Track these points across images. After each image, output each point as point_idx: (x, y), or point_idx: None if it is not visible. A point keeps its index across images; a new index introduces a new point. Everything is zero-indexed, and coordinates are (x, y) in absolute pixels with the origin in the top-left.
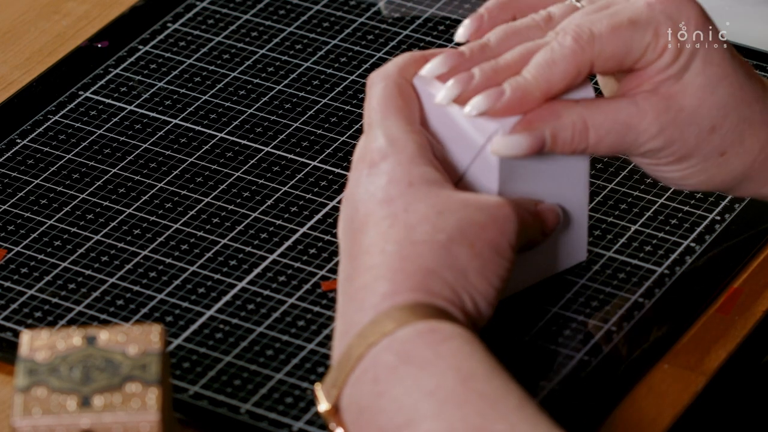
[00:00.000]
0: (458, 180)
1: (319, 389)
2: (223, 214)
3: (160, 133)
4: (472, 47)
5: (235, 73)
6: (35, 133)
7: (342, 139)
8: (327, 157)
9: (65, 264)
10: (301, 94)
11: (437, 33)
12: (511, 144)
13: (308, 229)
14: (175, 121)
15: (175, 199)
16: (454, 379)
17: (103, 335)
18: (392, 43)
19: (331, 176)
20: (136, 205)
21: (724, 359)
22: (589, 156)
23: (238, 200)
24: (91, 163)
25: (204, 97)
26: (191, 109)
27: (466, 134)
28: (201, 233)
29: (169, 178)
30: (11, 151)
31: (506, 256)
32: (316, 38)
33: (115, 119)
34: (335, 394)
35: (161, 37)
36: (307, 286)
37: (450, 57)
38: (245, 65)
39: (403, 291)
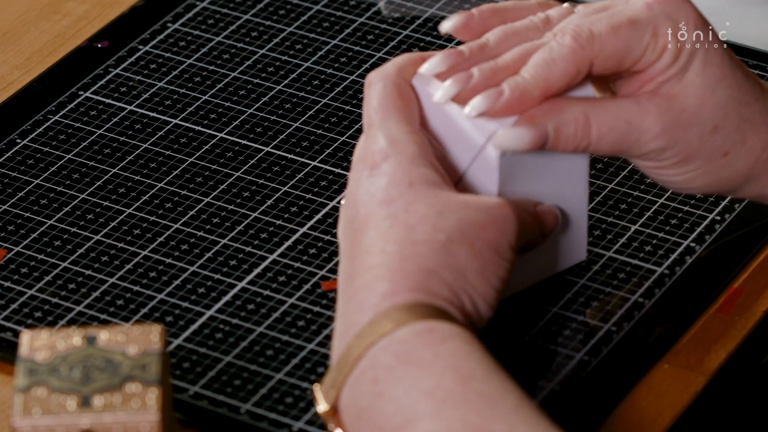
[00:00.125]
0: (458, 180)
1: (317, 390)
2: (223, 214)
3: (160, 133)
4: (471, 47)
5: (235, 73)
6: (35, 133)
7: (342, 139)
8: (327, 157)
9: (65, 264)
10: (301, 94)
11: (437, 33)
12: (513, 137)
13: (308, 229)
14: (175, 121)
15: (175, 199)
16: (452, 379)
17: (103, 335)
18: (392, 43)
19: (331, 176)
20: (136, 205)
21: (724, 359)
22: (589, 156)
23: (238, 200)
24: (91, 163)
25: (204, 97)
26: (191, 109)
27: (465, 134)
28: (201, 233)
29: (169, 178)
30: (11, 151)
31: (506, 256)
32: (316, 38)
33: (115, 119)
34: (334, 394)
35: (161, 37)
36: (307, 286)
37: (449, 56)
38: (245, 65)
39: (403, 291)
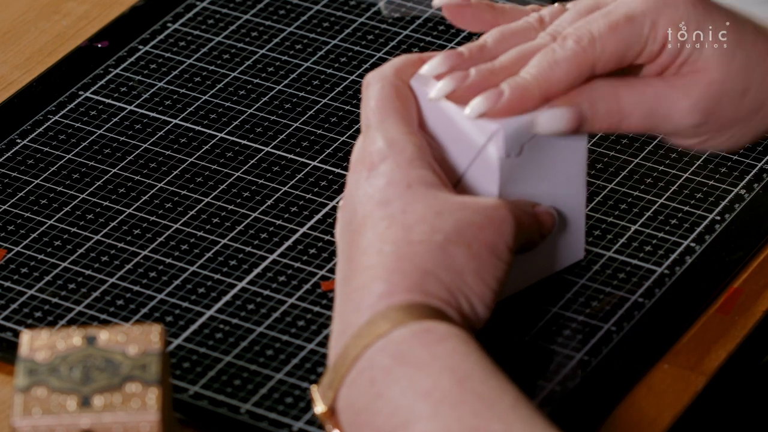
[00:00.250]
0: (457, 181)
1: (315, 391)
2: (223, 214)
3: (160, 133)
4: (470, 48)
5: (235, 73)
6: (35, 133)
7: (342, 139)
8: (327, 157)
9: (65, 264)
10: (301, 94)
11: (437, 33)
12: (554, 118)
13: (308, 229)
14: (175, 121)
15: (175, 199)
16: (449, 380)
17: (103, 335)
18: (392, 43)
19: (331, 176)
20: (136, 205)
21: (724, 359)
22: (587, 156)
23: (238, 200)
24: (91, 163)
25: (204, 97)
26: (191, 109)
27: (465, 135)
28: (201, 233)
29: (169, 178)
30: (11, 151)
31: (503, 257)
32: (316, 38)
33: (115, 119)
34: (331, 395)
35: (161, 37)
36: (307, 286)
37: (449, 57)
38: (245, 65)
39: (399, 291)
